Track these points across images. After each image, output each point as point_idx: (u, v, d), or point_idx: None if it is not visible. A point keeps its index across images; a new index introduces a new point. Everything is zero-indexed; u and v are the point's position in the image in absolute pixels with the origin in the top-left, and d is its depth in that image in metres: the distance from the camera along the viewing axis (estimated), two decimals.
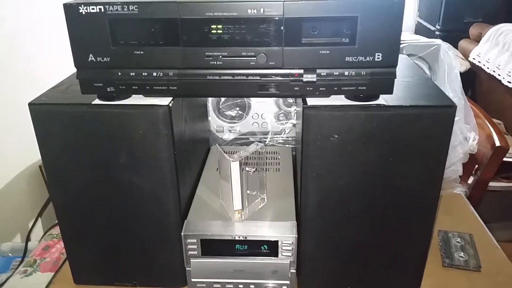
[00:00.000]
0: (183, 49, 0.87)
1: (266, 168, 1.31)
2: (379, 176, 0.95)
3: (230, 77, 0.89)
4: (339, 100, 0.92)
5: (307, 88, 0.89)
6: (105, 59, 0.89)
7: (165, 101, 0.95)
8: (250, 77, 0.89)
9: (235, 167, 1.01)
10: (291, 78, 0.88)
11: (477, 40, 3.08)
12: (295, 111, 1.53)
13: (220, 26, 0.85)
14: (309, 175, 0.96)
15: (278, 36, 0.84)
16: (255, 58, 0.86)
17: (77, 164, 0.98)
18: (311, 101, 0.87)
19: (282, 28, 0.84)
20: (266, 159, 1.38)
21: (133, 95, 0.97)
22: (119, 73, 0.90)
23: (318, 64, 0.87)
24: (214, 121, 1.56)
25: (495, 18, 3.11)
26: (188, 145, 1.18)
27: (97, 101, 0.96)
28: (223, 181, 1.10)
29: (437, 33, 3.36)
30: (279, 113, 1.55)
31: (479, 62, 2.96)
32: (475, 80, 3.08)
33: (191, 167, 1.22)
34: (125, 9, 0.84)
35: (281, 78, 0.89)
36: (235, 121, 1.56)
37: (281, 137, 1.54)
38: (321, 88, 0.89)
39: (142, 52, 0.88)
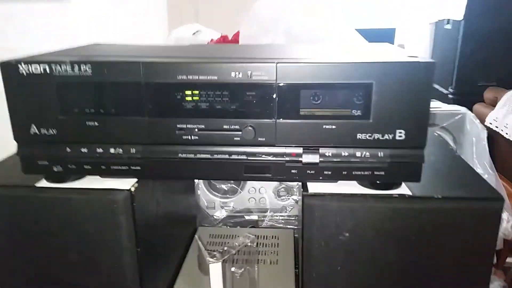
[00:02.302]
0: (149, 120, 0.68)
1: (261, 260, 1.07)
2: (403, 283, 0.72)
3: (208, 156, 0.69)
4: (350, 186, 0.71)
5: (308, 172, 0.69)
6: (50, 132, 0.70)
7: (127, 183, 0.74)
8: (233, 156, 0.69)
9: (216, 270, 0.79)
10: (287, 159, 0.68)
11: (493, 104, 2.92)
12: (298, 186, 1.31)
13: (196, 92, 0.66)
14: (312, 278, 0.73)
15: (269, 106, 0.65)
16: (240, 133, 0.67)
17: (15, 261, 0.76)
18: (313, 187, 0.66)
19: (274, 96, 0.64)
20: (263, 246, 1.14)
21: (88, 176, 0.76)
22: (68, 149, 0.71)
23: (322, 142, 0.67)
24: (204, 195, 1.35)
25: (509, 82, 2.96)
26: (163, 231, 0.96)
27: (43, 183, 0.76)
28: (205, 279, 0.87)
29: (450, 96, 3.21)
30: (279, 188, 1.34)
31: (497, 127, 2.77)
32: (492, 146, 2.87)
33: (167, 258, 1.00)
34: (76, 70, 0.66)
35: (273, 158, 0.68)
36: (229, 196, 1.35)
37: (282, 216, 1.32)
38: (325, 172, 0.68)
39: (96, 123, 0.69)
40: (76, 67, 0.66)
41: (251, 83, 0.64)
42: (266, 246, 1.15)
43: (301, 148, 0.68)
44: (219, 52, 0.94)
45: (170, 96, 0.67)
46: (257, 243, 1.14)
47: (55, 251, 0.76)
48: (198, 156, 0.70)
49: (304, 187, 0.72)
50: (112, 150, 0.71)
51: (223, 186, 1.35)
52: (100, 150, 0.71)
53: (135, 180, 0.76)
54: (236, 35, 1.80)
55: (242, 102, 0.66)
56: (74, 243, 0.75)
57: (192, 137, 0.69)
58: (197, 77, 0.65)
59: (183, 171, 0.71)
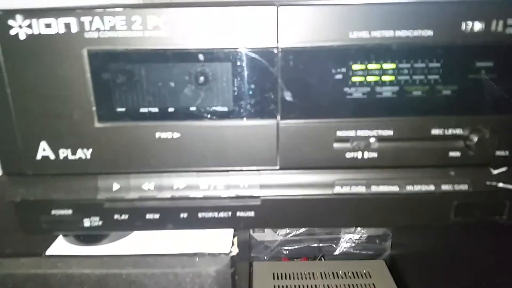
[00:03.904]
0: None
1: None
2: None
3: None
4: None
5: None
6: (80, 154, 0.35)
7: (217, 241, 0.41)
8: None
9: None
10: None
11: None
12: None
13: None
14: None
15: None
16: None
17: None
18: None
19: None
20: None
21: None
22: (116, 185, 0.36)
23: None
24: None
25: None
26: None
27: (60, 247, 0.41)
28: None
29: None
30: None
31: None
32: None
33: None
34: (136, 27, 0.31)
35: None
36: None
37: (358, 238, 0.99)
38: None
39: (176, 134, 0.35)
40: (138, 22, 0.32)
41: None
42: None
43: None
44: None
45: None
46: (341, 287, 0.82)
47: None
48: (374, 190, 0.36)
49: None
50: (204, 185, 0.37)
51: None
52: (180, 184, 0.37)
53: (232, 232, 0.42)
54: None
55: None
56: None
57: (366, 154, 0.35)
58: None
59: (340, 216, 0.37)
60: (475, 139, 0.34)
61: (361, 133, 0.35)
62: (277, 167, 0.36)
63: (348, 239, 0.99)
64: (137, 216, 0.38)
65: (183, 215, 0.37)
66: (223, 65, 0.33)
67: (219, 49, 0.32)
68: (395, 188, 0.36)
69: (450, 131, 0.34)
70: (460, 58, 0.33)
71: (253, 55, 0.32)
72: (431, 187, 0.36)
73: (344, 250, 0.99)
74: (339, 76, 0.34)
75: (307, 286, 0.84)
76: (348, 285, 0.84)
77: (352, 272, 0.87)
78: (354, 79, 0.34)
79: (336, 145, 0.35)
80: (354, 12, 0.32)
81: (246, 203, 0.37)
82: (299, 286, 0.84)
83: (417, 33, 0.32)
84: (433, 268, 0.72)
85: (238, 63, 0.33)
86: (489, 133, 0.34)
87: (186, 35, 0.32)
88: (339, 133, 0.35)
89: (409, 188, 0.36)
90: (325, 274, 0.87)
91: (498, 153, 0.35)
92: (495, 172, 0.36)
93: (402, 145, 0.35)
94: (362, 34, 0.32)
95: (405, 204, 0.37)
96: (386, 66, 0.33)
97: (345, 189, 0.36)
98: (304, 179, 0.37)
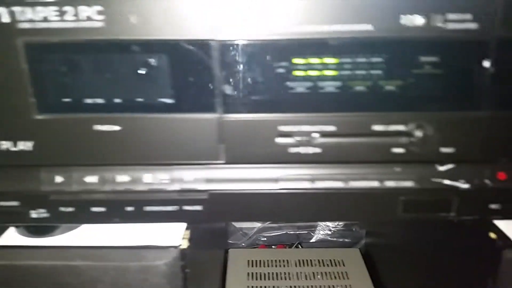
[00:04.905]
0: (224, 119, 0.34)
1: None
2: None
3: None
4: None
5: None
6: (20, 146, 0.35)
7: (169, 233, 0.41)
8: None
9: None
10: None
11: None
12: None
13: None
14: None
15: None
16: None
17: None
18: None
19: None
20: (325, 277, 0.83)
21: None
22: (59, 178, 0.36)
23: None
24: None
25: None
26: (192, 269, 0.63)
27: (14, 238, 0.41)
28: None
29: None
30: None
31: None
32: None
33: None
34: (68, 18, 0.31)
35: None
36: None
37: (334, 226, 1.00)
38: None
39: (117, 127, 0.34)
40: (71, 13, 0.31)
41: None
42: (329, 277, 0.83)
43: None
44: None
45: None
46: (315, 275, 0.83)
47: None
48: (318, 185, 0.36)
49: (492, 228, 0.40)
50: (147, 179, 0.36)
51: None
52: (124, 178, 0.36)
53: (184, 226, 0.42)
54: None
55: None
56: None
57: (309, 149, 0.35)
58: None
59: (285, 211, 0.37)
60: (418, 135, 0.34)
61: (303, 128, 0.34)
62: (223, 161, 0.36)
63: (325, 226, 0.99)
64: (82, 209, 0.37)
65: (129, 208, 0.37)
66: (161, 57, 0.32)
67: (155, 40, 0.32)
68: (339, 184, 0.36)
69: (392, 127, 0.34)
70: (402, 53, 0.32)
71: (191, 47, 0.32)
72: (375, 183, 0.36)
73: (321, 237, 1.00)
74: (280, 70, 0.33)
75: (281, 273, 0.85)
76: (321, 272, 0.84)
77: (326, 260, 0.87)
78: (296, 73, 0.33)
79: (278, 140, 0.35)
80: (293, 6, 0.31)
81: (193, 197, 0.37)
82: (273, 274, 0.84)
83: (356, 27, 0.31)
84: (402, 258, 0.72)
85: (177, 55, 0.32)
86: (432, 129, 0.34)
87: (120, 25, 0.31)
88: (281, 128, 0.34)
89: (353, 183, 0.36)
90: (300, 262, 0.88)
91: (444, 150, 0.35)
92: (441, 169, 0.36)
93: (345, 140, 0.35)
94: (302, 28, 0.31)
95: (352, 199, 0.37)
96: (328, 60, 0.33)
97: (290, 184, 0.36)
98: (249, 173, 0.36)
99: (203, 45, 0.32)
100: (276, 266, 0.87)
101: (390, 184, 0.36)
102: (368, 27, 0.31)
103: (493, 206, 0.37)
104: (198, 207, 0.37)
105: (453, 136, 0.34)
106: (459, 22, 0.31)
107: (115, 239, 0.41)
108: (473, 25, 0.31)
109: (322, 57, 0.33)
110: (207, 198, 0.37)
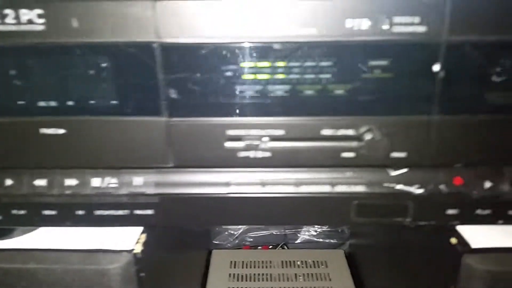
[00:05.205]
0: (170, 123, 0.33)
1: None
2: None
3: (292, 188, 0.36)
4: None
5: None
6: None
7: (125, 237, 0.40)
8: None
9: None
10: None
11: None
12: None
13: (266, 66, 0.31)
14: None
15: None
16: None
17: None
18: (471, 236, 0.35)
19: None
20: (307, 279, 0.83)
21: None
22: (8, 181, 0.36)
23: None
24: None
25: None
26: (170, 270, 0.62)
27: None
28: None
29: None
30: None
31: None
32: None
33: None
34: (9, 21, 0.30)
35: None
36: None
37: (320, 226, 0.99)
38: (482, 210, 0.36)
39: (62, 131, 0.34)
40: (12, 16, 0.31)
41: None
42: (312, 278, 0.83)
43: (472, 169, 0.35)
44: None
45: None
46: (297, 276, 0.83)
47: None
48: (269, 189, 0.36)
49: (454, 233, 0.40)
50: (96, 182, 0.36)
51: None
52: (72, 181, 0.36)
53: (140, 230, 0.41)
54: None
55: None
56: None
57: (259, 153, 0.34)
58: None
59: (237, 215, 0.37)
60: (368, 140, 0.33)
61: (252, 132, 0.34)
62: (172, 165, 0.35)
63: (311, 227, 0.99)
64: (34, 212, 0.37)
65: (80, 212, 0.37)
66: (104, 60, 0.32)
67: (97, 43, 0.31)
68: (290, 188, 0.35)
69: (342, 132, 0.34)
70: (350, 57, 0.32)
71: (133, 50, 0.31)
72: (327, 188, 0.35)
73: (307, 238, 0.99)
74: (228, 74, 0.32)
75: (263, 274, 0.84)
76: (304, 274, 0.84)
77: (310, 261, 0.87)
78: (245, 77, 0.33)
79: (227, 144, 0.34)
80: (238, 9, 0.31)
81: (144, 201, 0.36)
82: (255, 275, 0.84)
83: (301, 31, 0.31)
84: (382, 259, 0.72)
85: (119, 58, 0.32)
86: (382, 134, 0.33)
87: (62, 29, 0.31)
88: (230, 132, 0.34)
89: (305, 188, 0.35)
90: (283, 263, 0.87)
91: (395, 154, 0.34)
92: (393, 173, 0.35)
93: (294, 145, 0.34)
94: (248, 32, 0.31)
95: (304, 203, 0.36)
96: (277, 64, 0.32)
97: (241, 188, 0.36)
98: (200, 178, 0.36)
99: (145, 47, 0.31)
100: (258, 267, 0.87)
101: (341, 188, 0.35)
102: (312, 31, 0.31)
103: (450, 211, 0.36)
104: (150, 211, 0.37)
105: (404, 141, 0.34)
106: (407, 25, 0.31)
107: (74, 242, 0.41)
108: (421, 28, 0.31)
109: (270, 61, 0.32)
110: (158, 202, 0.36)
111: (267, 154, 0.34)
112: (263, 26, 0.31)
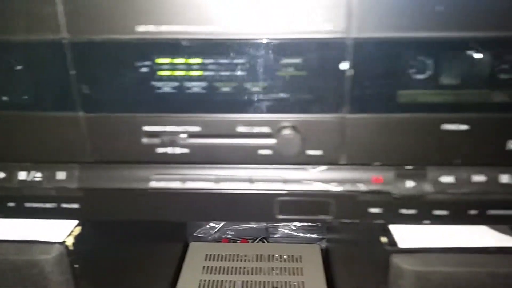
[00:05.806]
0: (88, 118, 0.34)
1: None
2: None
3: (212, 185, 0.36)
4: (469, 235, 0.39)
5: (403, 211, 0.36)
6: None
7: (59, 229, 0.41)
8: (260, 186, 0.35)
9: None
10: (362, 189, 0.35)
11: None
12: None
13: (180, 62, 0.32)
14: None
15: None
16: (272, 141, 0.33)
17: None
18: (400, 234, 0.34)
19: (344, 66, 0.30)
20: (283, 273, 0.83)
21: None
22: None
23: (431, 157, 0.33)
24: None
25: None
26: (138, 258, 0.63)
27: None
28: None
29: None
30: None
31: None
32: None
33: None
34: None
35: (335, 189, 0.35)
36: None
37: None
38: (437, 211, 0.36)
39: None
40: None
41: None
42: (286, 272, 0.83)
43: (393, 168, 0.34)
44: None
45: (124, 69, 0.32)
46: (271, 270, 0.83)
47: None
48: (189, 185, 0.36)
49: (385, 232, 0.39)
50: (22, 176, 0.37)
51: None
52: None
53: (75, 223, 0.42)
54: None
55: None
56: None
57: (177, 149, 0.35)
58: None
59: (159, 210, 0.37)
60: (283, 137, 0.33)
61: (168, 128, 0.34)
62: (92, 160, 0.36)
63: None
64: None
65: (11, 204, 0.38)
66: (16, 56, 0.32)
67: (6, 40, 0.32)
68: (210, 184, 0.36)
69: (257, 129, 0.33)
70: (265, 54, 0.31)
71: (44, 47, 0.32)
72: (247, 185, 0.35)
73: (287, 232, 0.99)
74: (143, 70, 0.33)
75: (238, 268, 0.85)
76: (277, 268, 0.84)
77: (285, 256, 0.87)
78: (161, 73, 0.33)
79: (144, 140, 0.35)
80: (141, 4, 0.31)
81: (69, 195, 0.37)
82: (229, 268, 0.84)
83: (203, 28, 0.31)
84: (351, 255, 0.71)
85: (30, 55, 0.32)
86: (297, 132, 0.33)
87: None
88: (146, 128, 0.34)
89: (224, 184, 0.36)
90: (259, 257, 0.88)
91: (311, 152, 0.34)
92: (310, 171, 0.35)
93: (211, 141, 0.34)
94: (150, 28, 0.31)
95: (224, 199, 0.36)
96: (192, 61, 0.32)
97: (161, 184, 0.36)
98: (121, 173, 0.36)
99: (54, 44, 0.32)
100: (234, 260, 0.87)
101: (261, 185, 0.35)
102: (213, 28, 0.30)
103: (373, 210, 0.36)
104: (75, 205, 0.37)
105: (319, 139, 0.33)
106: (314, 23, 0.30)
107: (9, 234, 0.42)
108: (328, 27, 0.30)
109: (183, 57, 0.32)
110: (82, 196, 0.37)
111: (185, 150, 0.35)
112: (175, 22, 0.31)
